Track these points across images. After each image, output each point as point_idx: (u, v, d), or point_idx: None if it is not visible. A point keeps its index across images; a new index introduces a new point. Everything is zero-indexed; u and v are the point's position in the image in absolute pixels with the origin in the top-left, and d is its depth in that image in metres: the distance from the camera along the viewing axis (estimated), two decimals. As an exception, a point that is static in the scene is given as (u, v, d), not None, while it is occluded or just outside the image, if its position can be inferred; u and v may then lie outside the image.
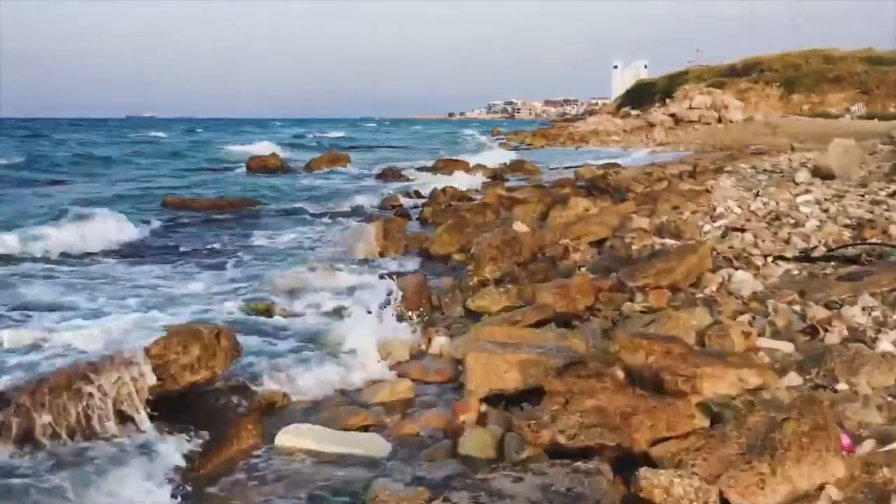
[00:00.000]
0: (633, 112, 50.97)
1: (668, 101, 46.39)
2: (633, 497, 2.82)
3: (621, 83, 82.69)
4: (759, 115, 38.99)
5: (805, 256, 6.92)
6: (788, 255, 7.13)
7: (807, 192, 10.62)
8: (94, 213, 10.43)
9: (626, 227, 9.33)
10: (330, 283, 7.23)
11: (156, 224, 11.19)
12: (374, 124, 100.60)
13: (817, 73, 42.36)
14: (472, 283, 7.35)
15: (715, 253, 7.25)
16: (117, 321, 5.64)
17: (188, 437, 3.86)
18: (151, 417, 3.90)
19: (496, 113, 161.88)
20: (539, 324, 5.75)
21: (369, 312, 5.77)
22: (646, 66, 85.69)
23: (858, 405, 3.58)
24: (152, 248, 9.71)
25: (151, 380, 3.98)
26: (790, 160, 19.67)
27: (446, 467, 3.43)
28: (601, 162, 25.00)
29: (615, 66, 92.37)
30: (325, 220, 12.34)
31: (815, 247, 7.20)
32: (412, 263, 8.75)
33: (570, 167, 24.10)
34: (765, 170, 17.60)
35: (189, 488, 3.42)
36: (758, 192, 11.26)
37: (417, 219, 12.67)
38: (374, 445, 3.88)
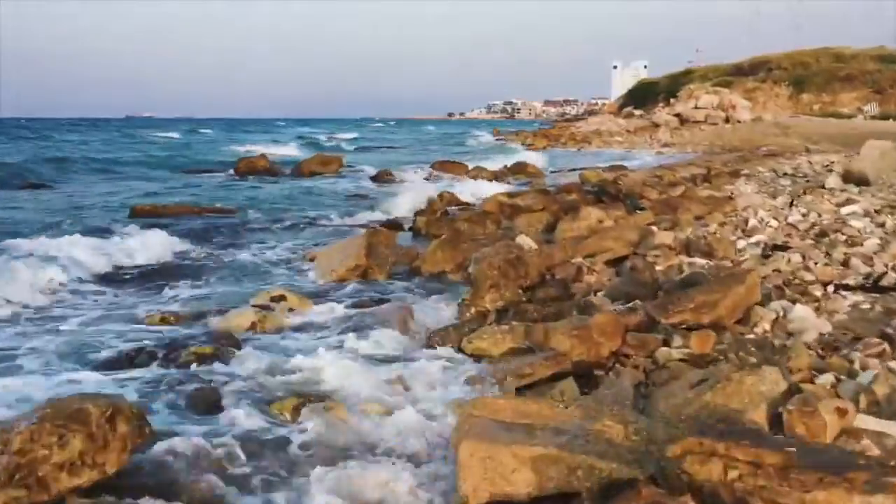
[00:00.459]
0: (637, 112, 49.72)
1: (672, 100, 45.13)
2: None
3: (621, 83, 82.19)
4: (768, 115, 37.71)
5: (875, 285, 5.69)
6: (851, 282, 5.91)
7: (849, 201, 9.38)
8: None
9: (648, 242, 8.11)
10: (288, 319, 6.00)
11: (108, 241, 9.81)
12: (380, 124, 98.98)
13: (828, 71, 41.04)
14: (468, 314, 6.13)
15: (759, 277, 6.01)
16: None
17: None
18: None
19: (496, 113, 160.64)
20: (554, 377, 4.53)
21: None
22: (645, 67, 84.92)
23: None
24: (93, 273, 8.15)
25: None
26: (810, 162, 18.49)
27: None
28: (606, 164, 23.77)
29: (615, 67, 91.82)
30: (305, 231, 11.09)
31: (884, 273, 5.97)
32: (400, 285, 7.52)
33: (575, 169, 22.93)
34: (785, 173, 16.40)
35: None
36: (793, 200, 10.02)
37: (410, 228, 11.45)
38: None
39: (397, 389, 4.40)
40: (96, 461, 3.06)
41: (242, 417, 3.88)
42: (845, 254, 6.64)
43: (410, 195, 14.26)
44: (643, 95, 54.27)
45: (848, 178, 12.53)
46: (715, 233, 8.62)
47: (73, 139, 43.37)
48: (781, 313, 5.30)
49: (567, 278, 7.37)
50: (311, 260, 8.54)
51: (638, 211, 11.48)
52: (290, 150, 34.06)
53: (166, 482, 3.21)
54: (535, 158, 26.61)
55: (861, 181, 11.98)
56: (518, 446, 3.07)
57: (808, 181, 14.48)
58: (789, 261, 6.65)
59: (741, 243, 7.79)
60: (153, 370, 4.72)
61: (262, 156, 24.28)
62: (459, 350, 5.26)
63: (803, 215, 8.72)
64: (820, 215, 8.53)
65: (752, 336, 5.12)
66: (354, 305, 6.37)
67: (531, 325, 5.25)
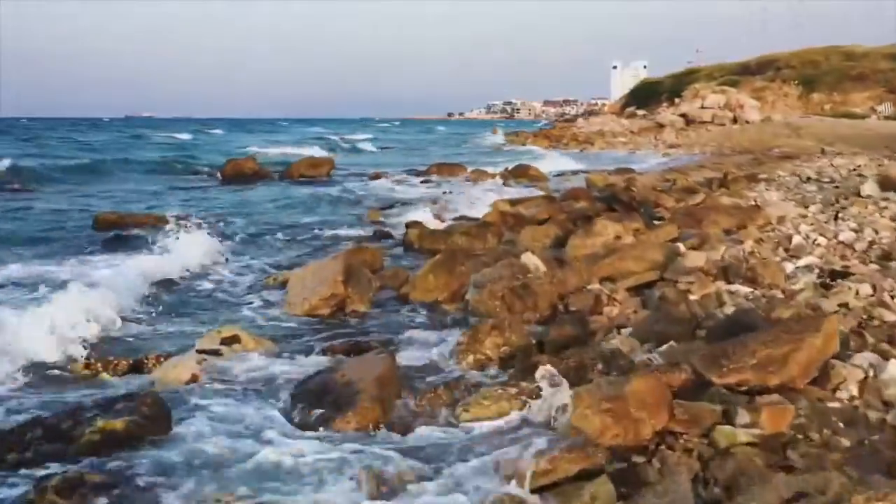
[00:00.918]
0: (640, 112, 48.46)
1: (676, 100, 43.87)
2: None
3: (620, 83, 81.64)
4: (778, 115, 36.45)
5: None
6: (949, 326, 4.69)
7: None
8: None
9: (676, 264, 6.89)
10: (240, 367, 4.79)
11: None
12: (385, 124, 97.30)
13: (839, 70, 39.71)
14: (466, 363, 4.91)
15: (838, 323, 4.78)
16: None
17: None
18: None
19: (495, 113, 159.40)
20: (581, 474, 3.32)
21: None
22: (645, 67, 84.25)
23: None
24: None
25: None
26: (833, 166, 17.26)
27: None
28: (612, 167, 22.60)
29: (614, 67, 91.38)
30: (285, 244, 9.84)
31: None
32: (384, 318, 6.31)
33: (579, 171, 21.74)
34: (809, 178, 15.18)
35: None
36: (837, 213, 8.80)
37: (402, 238, 10.25)
38: None
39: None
40: None
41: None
42: (928, 285, 5.43)
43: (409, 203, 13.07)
44: (646, 95, 52.93)
45: (886, 184, 11.33)
46: (753, 252, 7.41)
47: (80, 139, 41.30)
48: (871, 371, 4.09)
49: (584, 310, 6.16)
50: (284, 284, 7.32)
51: (655, 222, 10.29)
52: (315, 151, 32.89)
53: None
54: (565, 162, 25.67)
55: (902, 188, 10.80)
56: None
57: (837, 187, 13.27)
58: (857, 293, 5.45)
59: (788, 266, 6.58)
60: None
61: (251, 157, 23.04)
62: (454, 420, 4.05)
63: (855, 231, 7.50)
64: (877, 232, 7.31)
65: (835, 405, 3.91)
66: (324, 351, 5.15)
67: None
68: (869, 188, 11.17)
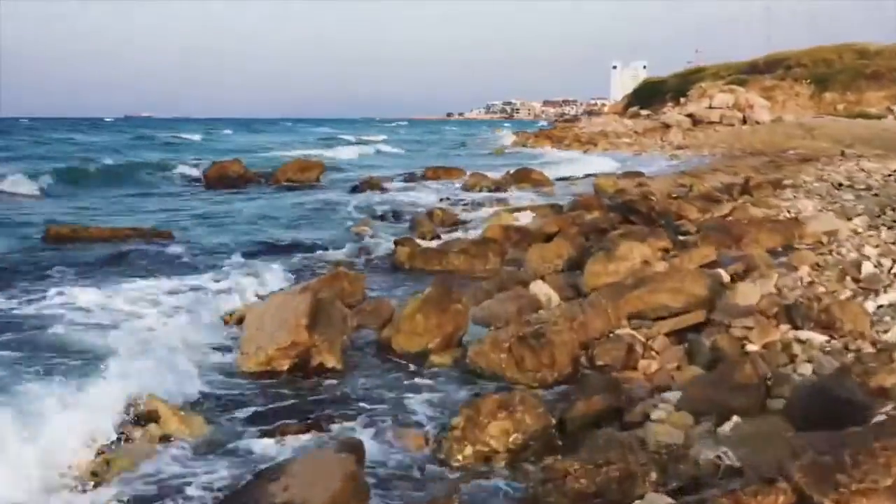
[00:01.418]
0: (643, 112, 47.06)
1: (682, 100, 42.47)
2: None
3: (620, 84, 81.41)
4: (789, 115, 35.04)
5: None
6: None
7: None
8: None
9: (725, 301, 5.53)
10: (153, 461, 3.46)
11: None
12: (392, 124, 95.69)
13: (853, 69, 38.28)
14: (459, 459, 3.56)
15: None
16: None
17: None
18: None
19: (494, 113, 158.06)
20: None
21: None
22: (645, 67, 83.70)
23: None
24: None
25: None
26: (863, 171, 15.88)
27: None
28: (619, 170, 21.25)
29: (614, 67, 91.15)
30: (255, 265, 8.43)
31: None
32: (357, 380, 4.95)
33: (588, 175, 20.39)
34: (841, 185, 13.81)
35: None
36: (891, 227, 7.46)
37: (392, 256, 8.92)
38: None
39: None
40: None
41: None
42: None
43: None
44: (649, 95, 51.52)
45: (939, 193, 9.99)
46: (813, 282, 6.07)
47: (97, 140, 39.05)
48: None
49: (614, 365, 4.82)
50: (239, 323, 5.97)
51: (680, 237, 8.94)
52: (350, 153, 31.59)
53: None
54: (601, 163, 24.37)
55: (960, 198, 9.45)
56: None
57: (876, 195, 11.94)
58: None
59: (869, 305, 5.23)
60: None
61: (236, 160, 21.62)
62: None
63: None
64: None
65: None
66: (273, 432, 3.80)
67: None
68: (919, 197, 9.84)
